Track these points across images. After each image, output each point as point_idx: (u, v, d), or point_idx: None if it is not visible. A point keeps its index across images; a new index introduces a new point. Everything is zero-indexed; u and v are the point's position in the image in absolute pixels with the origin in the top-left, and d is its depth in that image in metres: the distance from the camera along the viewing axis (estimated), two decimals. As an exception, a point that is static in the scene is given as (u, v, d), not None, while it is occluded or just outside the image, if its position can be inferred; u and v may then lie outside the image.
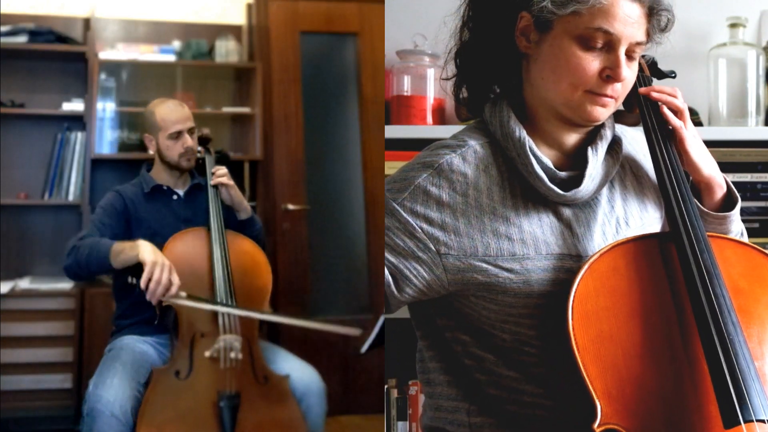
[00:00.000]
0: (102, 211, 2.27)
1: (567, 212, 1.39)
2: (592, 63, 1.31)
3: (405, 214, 1.35)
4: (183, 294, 2.03)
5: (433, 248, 1.34)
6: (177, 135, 2.32)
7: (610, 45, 1.31)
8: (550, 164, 1.37)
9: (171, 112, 2.34)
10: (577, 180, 1.38)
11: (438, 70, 2.45)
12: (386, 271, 1.36)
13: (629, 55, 1.33)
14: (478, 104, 1.48)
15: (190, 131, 2.35)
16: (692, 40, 2.43)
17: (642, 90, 1.45)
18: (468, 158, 1.39)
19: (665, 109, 1.42)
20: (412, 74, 2.45)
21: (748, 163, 2.33)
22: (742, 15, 2.39)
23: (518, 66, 1.41)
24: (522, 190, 1.38)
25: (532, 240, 1.36)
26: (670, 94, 1.44)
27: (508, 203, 1.37)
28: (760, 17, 2.51)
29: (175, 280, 2.01)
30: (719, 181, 1.46)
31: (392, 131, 2.37)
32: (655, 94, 1.44)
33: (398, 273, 1.36)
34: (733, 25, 2.38)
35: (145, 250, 2.03)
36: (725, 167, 2.29)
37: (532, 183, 1.37)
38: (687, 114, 1.44)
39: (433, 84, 2.45)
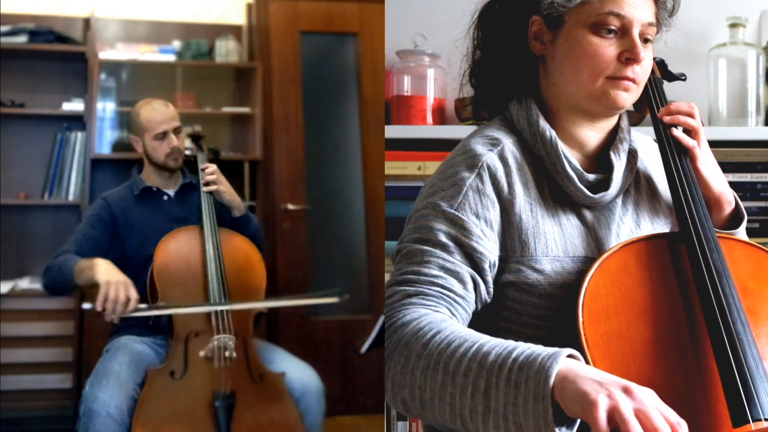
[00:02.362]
0: (86, 222, 2.29)
1: (589, 215, 1.40)
2: (609, 48, 1.32)
3: (467, 218, 1.31)
4: (143, 306, 2.01)
5: (492, 250, 1.32)
6: (162, 135, 2.32)
7: (624, 29, 1.33)
8: (578, 166, 1.38)
9: (155, 113, 2.33)
10: (602, 183, 1.39)
11: (438, 69, 2.45)
12: (476, 283, 1.30)
13: (643, 39, 1.35)
14: (498, 115, 1.48)
15: (176, 131, 2.34)
16: (692, 40, 2.43)
17: (660, 114, 1.45)
18: (506, 156, 1.38)
19: (676, 132, 1.42)
20: (412, 74, 2.45)
21: (748, 163, 2.33)
22: (742, 15, 2.39)
23: (535, 71, 1.42)
24: (550, 191, 1.38)
25: (563, 241, 1.36)
26: (686, 113, 1.44)
27: (541, 202, 1.37)
28: (760, 17, 2.51)
29: (133, 295, 1.98)
30: (728, 198, 1.47)
31: (392, 131, 2.37)
32: (667, 118, 1.44)
33: (485, 283, 1.31)
34: (733, 25, 2.37)
35: (99, 270, 2.00)
36: (725, 167, 2.28)
37: (560, 183, 1.37)
38: (702, 132, 1.44)
39: (433, 84, 2.44)
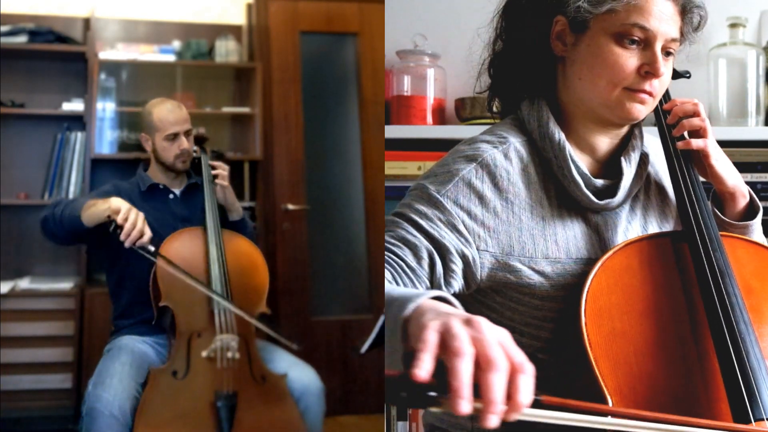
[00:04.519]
0: (96, 194, 2.28)
1: (595, 218, 1.40)
2: (630, 60, 1.32)
3: (449, 206, 1.31)
4: (151, 248, 2.03)
5: (473, 243, 1.32)
6: (173, 137, 2.32)
7: (647, 42, 1.32)
8: (586, 171, 1.37)
9: (168, 114, 2.34)
10: (610, 189, 1.39)
11: (438, 69, 2.45)
12: (421, 267, 1.29)
13: (665, 52, 1.34)
14: (511, 112, 1.48)
15: (187, 133, 2.34)
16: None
17: (669, 120, 1.44)
18: (510, 155, 1.37)
19: (683, 143, 1.42)
20: (412, 74, 2.45)
21: (748, 163, 2.33)
22: (742, 15, 2.39)
23: (553, 70, 1.42)
24: (556, 193, 1.38)
25: (564, 243, 1.36)
26: (691, 114, 1.43)
27: (544, 204, 1.37)
28: (760, 17, 2.51)
29: (147, 231, 2.01)
30: (743, 191, 1.46)
31: (392, 131, 2.37)
32: (675, 131, 1.43)
33: (445, 267, 1.31)
34: (733, 25, 2.38)
35: (116, 200, 2.02)
36: (725, 167, 2.31)
37: (566, 187, 1.37)
38: (709, 129, 1.43)
39: (433, 84, 2.45)
